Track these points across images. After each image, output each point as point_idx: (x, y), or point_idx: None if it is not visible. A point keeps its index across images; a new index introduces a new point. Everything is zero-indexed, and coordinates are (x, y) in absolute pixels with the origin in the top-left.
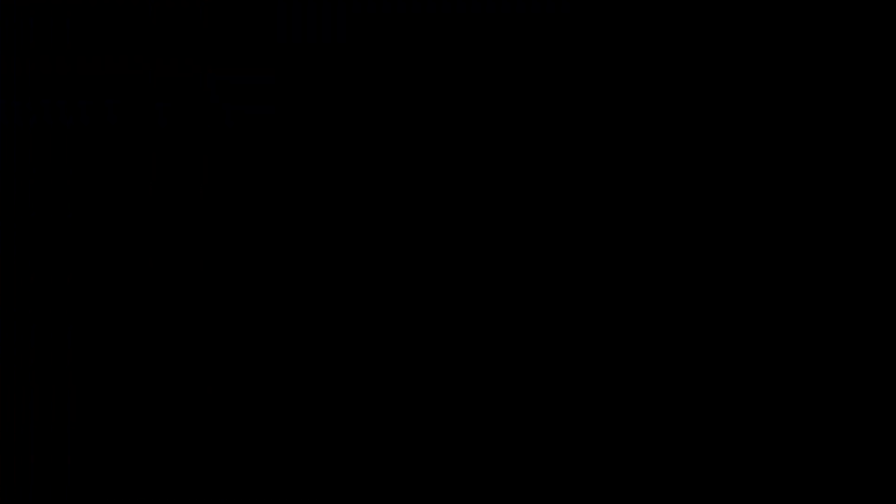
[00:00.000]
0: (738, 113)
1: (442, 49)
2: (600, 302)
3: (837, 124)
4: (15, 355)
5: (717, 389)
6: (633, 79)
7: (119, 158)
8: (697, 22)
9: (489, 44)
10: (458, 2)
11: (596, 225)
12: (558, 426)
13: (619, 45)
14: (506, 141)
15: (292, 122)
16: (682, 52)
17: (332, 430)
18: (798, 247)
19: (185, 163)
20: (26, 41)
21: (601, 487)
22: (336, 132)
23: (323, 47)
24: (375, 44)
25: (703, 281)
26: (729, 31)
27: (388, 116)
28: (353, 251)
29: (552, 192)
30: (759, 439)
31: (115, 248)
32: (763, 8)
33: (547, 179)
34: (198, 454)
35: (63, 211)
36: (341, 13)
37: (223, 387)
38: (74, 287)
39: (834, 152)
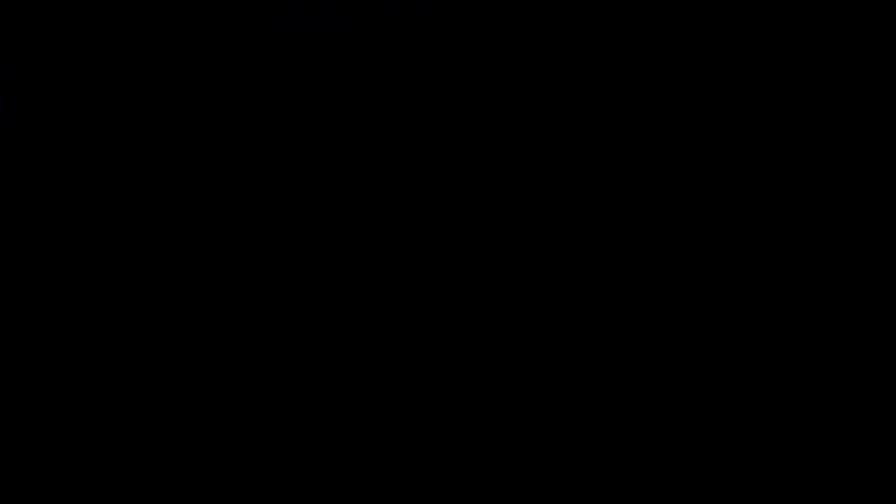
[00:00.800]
0: (737, 113)
1: (442, 49)
2: (600, 301)
3: (837, 124)
4: (15, 355)
5: (718, 389)
6: (632, 79)
7: (119, 158)
8: (697, 22)
9: (489, 44)
10: (458, 2)
11: (596, 225)
12: (558, 426)
13: (619, 45)
14: (506, 141)
15: (292, 122)
16: (682, 52)
17: (332, 430)
18: (798, 246)
19: (185, 163)
20: (26, 41)
21: (601, 487)
22: (336, 132)
23: (323, 47)
24: (375, 44)
25: (703, 280)
26: (729, 31)
27: (388, 116)
28: (353, 251)
29: (552, 191)
30: (760, 439)
31: (115, 248)
32: (763, 8)
33: (547, 179)
34: (198, 454)
35: (63, 211)
36: (341, 13)
37: (223, 387)
38: (74, 287)
39: (834, 152)
